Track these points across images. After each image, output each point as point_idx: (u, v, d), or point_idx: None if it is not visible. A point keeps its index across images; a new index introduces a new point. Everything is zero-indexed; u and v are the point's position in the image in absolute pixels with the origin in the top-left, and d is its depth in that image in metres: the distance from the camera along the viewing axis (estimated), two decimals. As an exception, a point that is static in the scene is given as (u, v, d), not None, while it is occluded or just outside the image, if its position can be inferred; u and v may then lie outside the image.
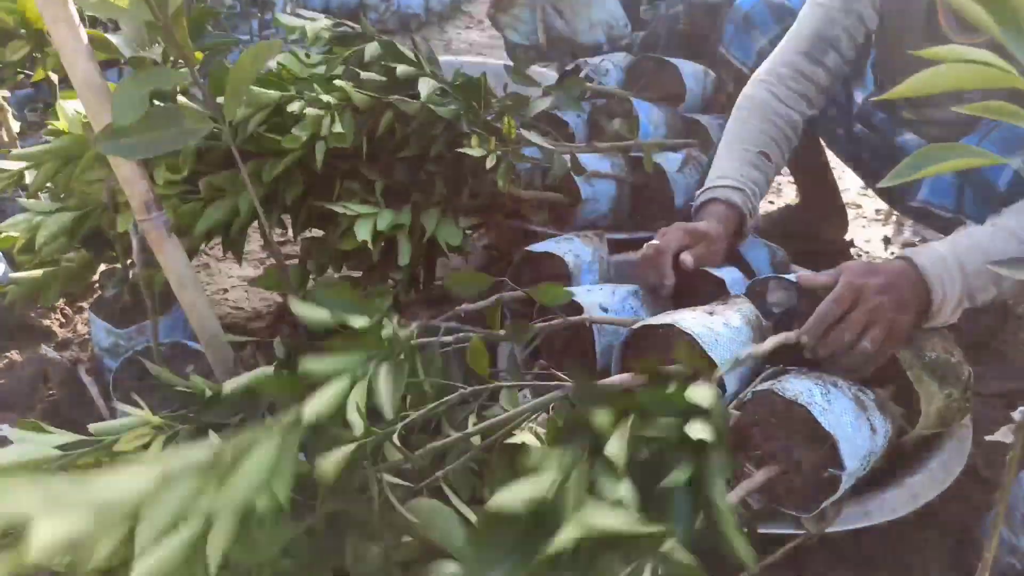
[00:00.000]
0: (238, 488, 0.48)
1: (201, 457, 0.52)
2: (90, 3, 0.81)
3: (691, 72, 1.71)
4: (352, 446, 0.64)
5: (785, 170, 2.31)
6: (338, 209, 1.19)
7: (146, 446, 0.72)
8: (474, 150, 1.22)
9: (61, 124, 1.12)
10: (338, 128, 1.13)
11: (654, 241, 1.15)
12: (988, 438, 0.74)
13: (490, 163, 1.25)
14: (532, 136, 1.33)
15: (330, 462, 0.60)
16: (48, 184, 1.14)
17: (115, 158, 0.90)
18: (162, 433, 0.73)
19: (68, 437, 0.67)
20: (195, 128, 0.90)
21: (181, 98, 1.09)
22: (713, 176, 1.27)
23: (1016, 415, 0.62)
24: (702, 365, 0.74)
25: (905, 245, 1.90)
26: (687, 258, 1.13)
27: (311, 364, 0.70)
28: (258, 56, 0.87)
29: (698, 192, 1.28)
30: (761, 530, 0.90)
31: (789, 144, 1.33)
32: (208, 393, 0.78)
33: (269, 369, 0.80)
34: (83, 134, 1.11)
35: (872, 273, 0.98)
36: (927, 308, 0.99)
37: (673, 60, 1.70)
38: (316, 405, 0.64)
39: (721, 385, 0.95)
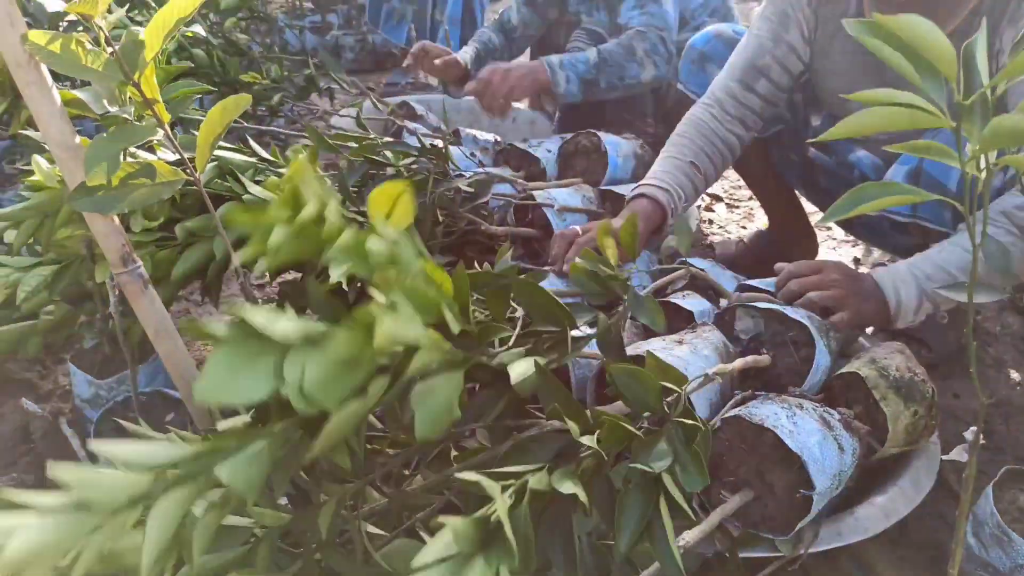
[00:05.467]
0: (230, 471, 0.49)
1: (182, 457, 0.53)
2: (63, 65, 0.83)
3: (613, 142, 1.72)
4: (334, 498, 0.65)
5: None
6: (313, 253, 1.21)
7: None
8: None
9: (39, 179, 1.14)
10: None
11: (577, 229, 1.29)
12: (944, 457, 0.77)
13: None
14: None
15: (323, 517, 0.61)
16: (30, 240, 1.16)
17: (90, 214, 0.91)
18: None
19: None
20: (168, 182, 0.92)
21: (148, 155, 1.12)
22: (646, 178, 1.40)
23: (968, 435, 0.65)
24: (674, 376, 0.77)
25: (875, 266, 1.94)
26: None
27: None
28: (227, 110, 0.90)
29: (630, 189, 1.41)
30: (740, 554, 0.92)
31: (723, 159, 1.46)
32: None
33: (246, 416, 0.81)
34: (59, 187, 1.13)
35: (836, 266, 1.22)
36: (887, 308, 1.16)
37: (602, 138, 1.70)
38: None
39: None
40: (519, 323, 0.82)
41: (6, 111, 1.55)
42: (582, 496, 0.61)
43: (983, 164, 0.55)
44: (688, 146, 1.42)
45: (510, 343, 0.77)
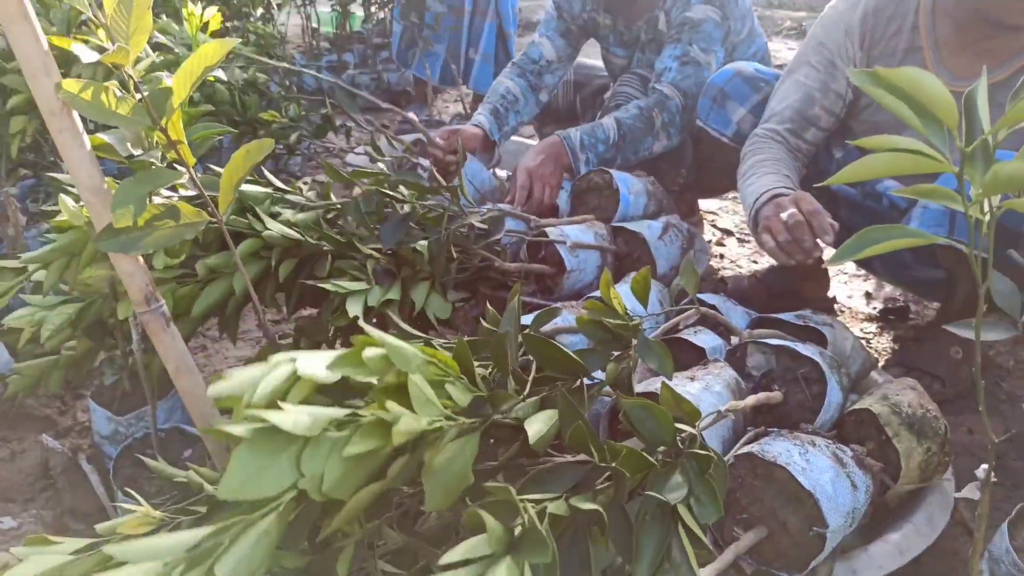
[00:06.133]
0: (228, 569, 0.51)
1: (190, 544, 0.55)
2: (93, 111, 0.86)
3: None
4: (353, 541, 0.67)
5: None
6: (329, 287, 1.23)
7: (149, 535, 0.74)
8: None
9: (65, 218, 1.16)
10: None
11: (791, 210, 1.19)
12: (957, 495, 0.77)
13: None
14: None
15: (342, 564, 0.63)
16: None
17: (115, 254, 0.94)
18: (164, 526, 0.76)
19: (76, 542, 0.70)
20: (191, 223, 0.95)
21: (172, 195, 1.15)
22: (763, 189, 1.34)
23: (979, 472, 0.65)
24: (687, 410, 0.78)
25: (887, 300, 1.94)
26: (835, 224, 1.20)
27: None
28: (251, 153, 0.92)
29: (754, 200, 1.35)
30: (753, 593, 0.92)
31: (798, 178, 1.44)
32: (205, 486, 0.80)
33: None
34: (86, 228, 1.16)
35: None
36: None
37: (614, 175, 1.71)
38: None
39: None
40: (532, 368, 0.83)
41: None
42: (601, 513, 0.62)
43: (987, 208, 0.56)
44: (779, 163, 1.41)
45: (525, 392, 0.78)
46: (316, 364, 0.66)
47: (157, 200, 0.98)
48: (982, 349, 1.54)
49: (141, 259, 0.96)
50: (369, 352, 0.67)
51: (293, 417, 0.58)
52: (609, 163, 1.78)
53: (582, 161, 1.75)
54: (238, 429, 0.59)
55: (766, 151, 1.45)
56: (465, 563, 0.51)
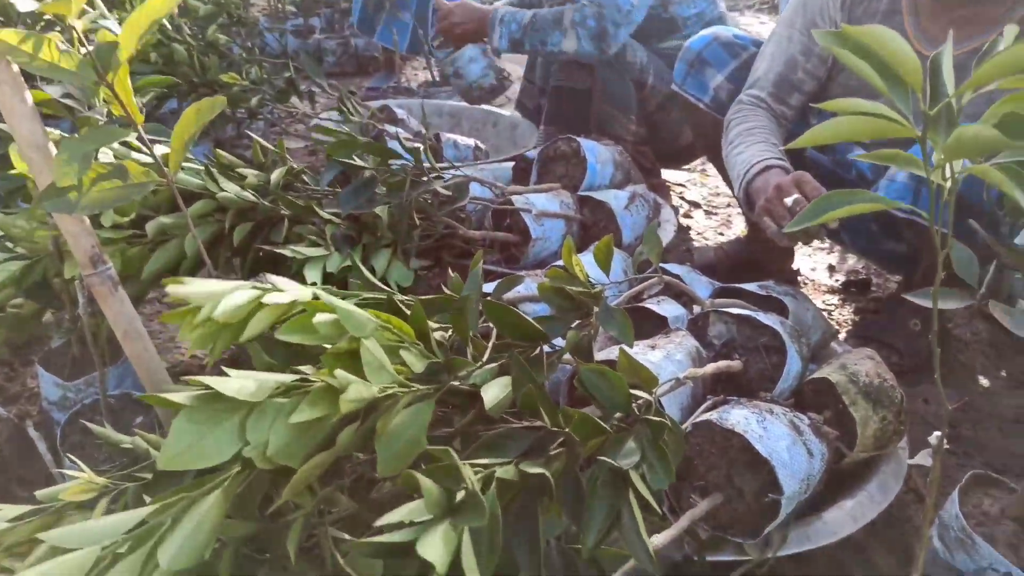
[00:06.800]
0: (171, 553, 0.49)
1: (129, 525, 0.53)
2: (36, 66, 0.82)
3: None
4: (302, 513, 0.65)
5: (735, 202, 2.38)
6: (287, 252, 1.20)
7: (92, 503, 0.72)
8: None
9: (19, 168, 1.11)
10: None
11: (795, 195, 1.20)
12: (910, 461, 0.79)
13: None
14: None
15: (292, 537, 0.61)
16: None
17: (60, 214, 0.90)
18: (108, 493, 0.73)
19: (16, 509, 0.67)
20: (139, 184, 0.91)
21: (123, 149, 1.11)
22: (754, 159, 1.36)
23: (932, 439, 0.66)
24: (645, 376, 0.78)
25: (850, 273, 1.96)
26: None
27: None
28: (202, 112, 0.89)
29: (745, 171, 1.37)
30: (708, 558, 0.92)
31: (782, 143, 1.46)
32: (151, 452, 0.78)
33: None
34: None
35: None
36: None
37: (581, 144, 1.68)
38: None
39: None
40: (492, 335, 0.82)
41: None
42: (548, 478, 0.62)
43: (948, 173, 0.56)
44: (766, 131, 1.42)
45: (484, 359, 0.77)
46: (281, 296, 0.64)
47: (105, 164, 0.94)
48: (940, 320, 1.56)
49: (87, 219, 0.93)
50: (320, 317, 0.66)
51: (238, 383, 0.57)
52: (518, 45, 1.97)
53: (496, 33, 1.98)
54: (180, 397, 0.57)
55: (752, 119, 1.45)
56: (406, 525, 0.50)
